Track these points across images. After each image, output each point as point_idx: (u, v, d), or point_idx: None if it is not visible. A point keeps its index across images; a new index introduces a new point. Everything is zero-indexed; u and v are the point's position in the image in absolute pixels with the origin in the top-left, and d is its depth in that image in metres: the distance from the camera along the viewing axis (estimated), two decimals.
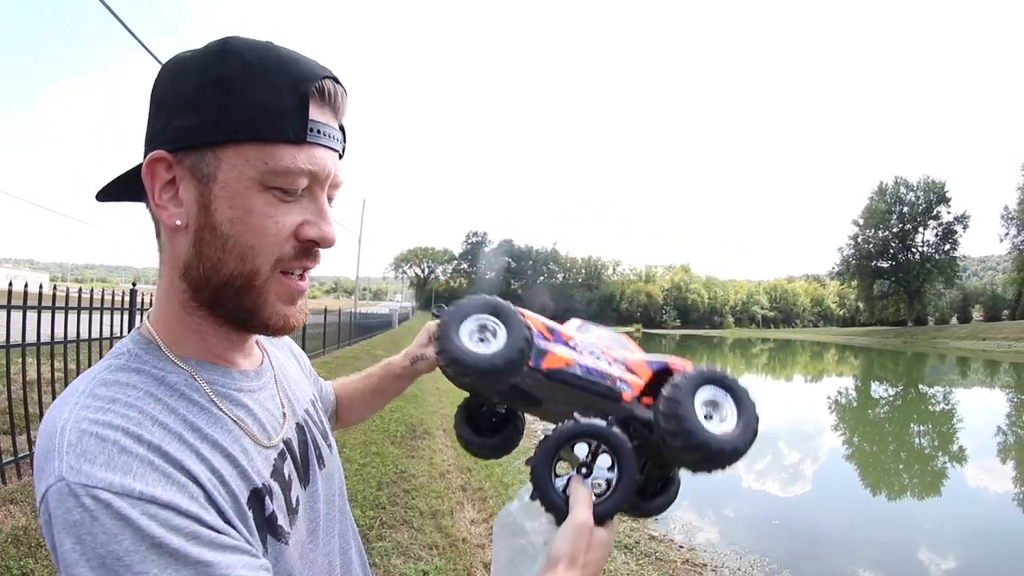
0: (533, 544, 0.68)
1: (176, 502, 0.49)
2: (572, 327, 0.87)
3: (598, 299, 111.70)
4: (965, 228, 66.47)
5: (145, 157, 0.59)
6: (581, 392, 0.78)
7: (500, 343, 0.77)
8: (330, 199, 0.64)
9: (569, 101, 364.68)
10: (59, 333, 4.18)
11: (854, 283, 77.87)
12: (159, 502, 0.48)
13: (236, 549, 0.52)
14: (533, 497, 0.68)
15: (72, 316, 4.22)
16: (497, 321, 0.79)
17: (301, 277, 0.64)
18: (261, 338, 0.75)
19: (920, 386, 21.14)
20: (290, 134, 0.57)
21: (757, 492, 7.35)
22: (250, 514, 0.57)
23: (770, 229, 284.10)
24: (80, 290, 4.39)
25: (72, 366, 4.38)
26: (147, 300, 5.20)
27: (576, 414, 0.69)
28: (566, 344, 0.82)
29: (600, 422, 0.68)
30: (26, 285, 5.03)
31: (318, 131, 0.59)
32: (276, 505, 0.62)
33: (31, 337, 3.96)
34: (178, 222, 0.59)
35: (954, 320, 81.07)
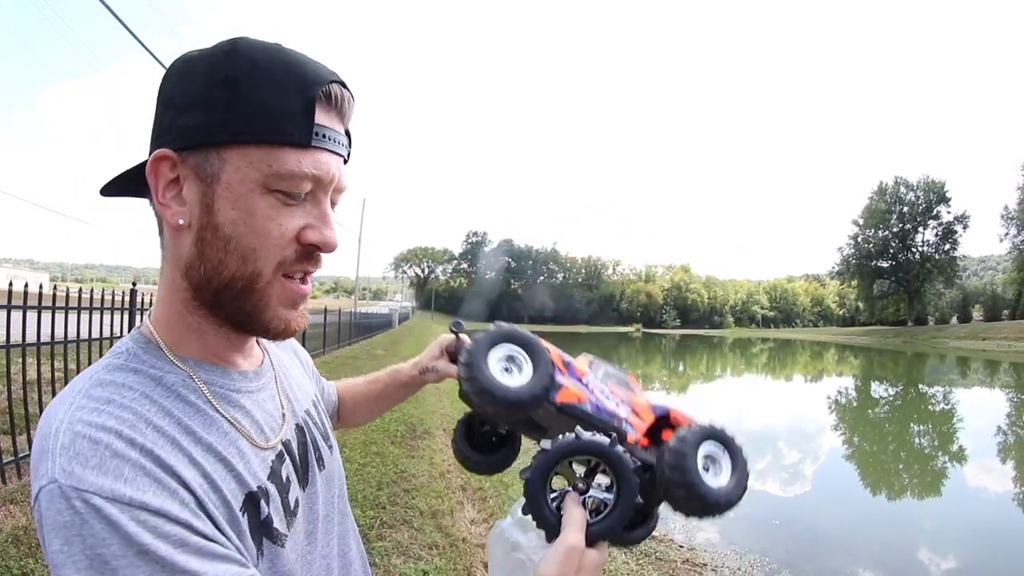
0: (532, 560, 0.67)
1: (166, 508, 0.49)
2: (584, 362, 0.87)
3: (598, 299, 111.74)
4: (965, 228, 66.48)
5: (150, 155, 0.59)
6: (589, 428, 0.79)
7: (526, 377, 0.78)
8: (333, 204, 0.64)
9: (569, 101, 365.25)
10: (59, 333, 4.18)
11: (854, 283, 77.77)
12: (149, 508, 0.48)
13: (225, 558, 0.51)
14: (526, 512, 0.67)
15: (72, 316, 4.22)
16: (525, 354, 0.80)
17: (303, 281, 0.64)
18: None
19: (920, 386, 21.11)
20: (295, 137, 0.57)
21: (757, 492, 7.33)
22: (244, 518, 0.57)
23: (770, 229, 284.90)
24: (80, 290, 4.38)
25: (72, 366, 4.37)
26: (147, 300, 5.20)
27: (578, 428, 0.68)
28: (579, 380, 0.83)
29: (604, 439, 0.67)
30: (26, 285, 5.03)
31: (323, 135, 0.59)
32: (272, 508, 0.61)
33: (31, 337, 3.96)
34: (181, 221, 0.59)
35: (954, 320, 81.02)
